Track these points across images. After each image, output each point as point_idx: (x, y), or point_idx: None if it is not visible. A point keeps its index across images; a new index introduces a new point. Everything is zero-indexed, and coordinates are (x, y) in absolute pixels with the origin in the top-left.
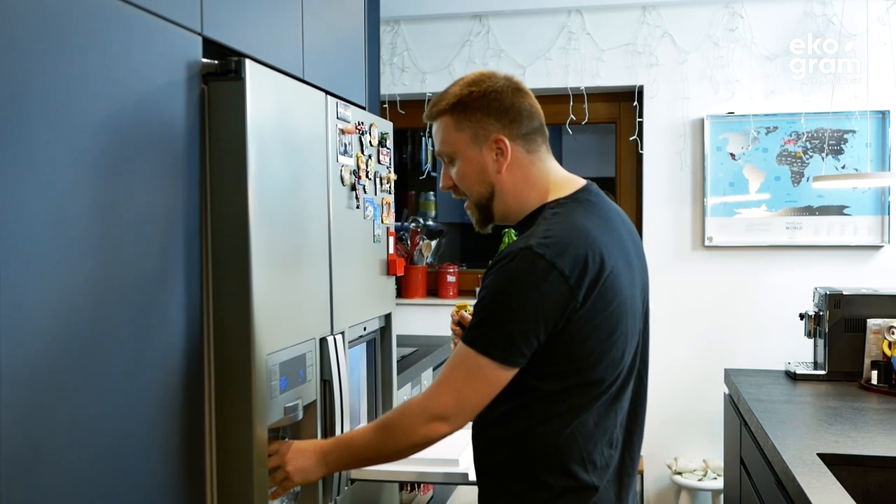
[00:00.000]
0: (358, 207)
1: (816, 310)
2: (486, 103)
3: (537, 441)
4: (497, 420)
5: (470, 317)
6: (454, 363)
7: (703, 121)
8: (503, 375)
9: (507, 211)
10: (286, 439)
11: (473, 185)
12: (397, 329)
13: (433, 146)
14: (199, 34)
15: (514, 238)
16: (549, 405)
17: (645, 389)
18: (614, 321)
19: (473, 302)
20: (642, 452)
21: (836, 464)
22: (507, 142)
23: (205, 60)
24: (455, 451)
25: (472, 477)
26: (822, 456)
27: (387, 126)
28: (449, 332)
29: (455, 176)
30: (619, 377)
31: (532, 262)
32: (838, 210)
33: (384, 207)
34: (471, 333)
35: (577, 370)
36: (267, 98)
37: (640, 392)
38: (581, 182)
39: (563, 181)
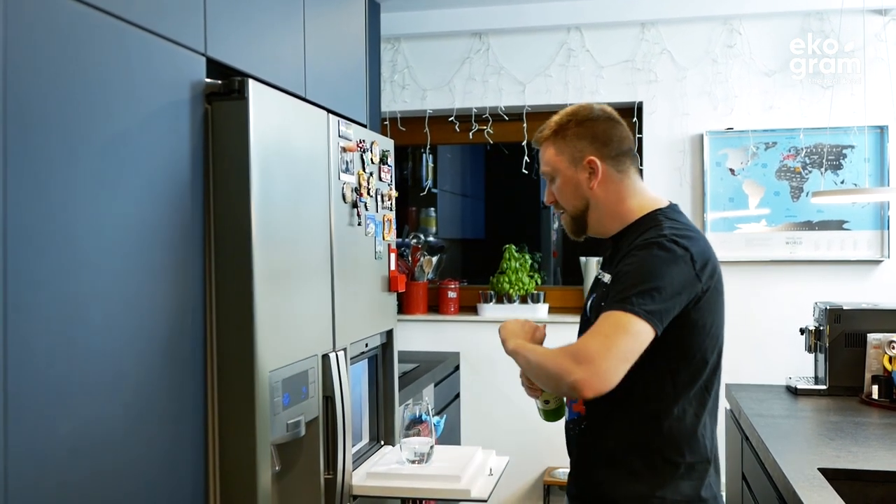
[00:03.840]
0: (359, 224)
1: (817, 324)
2: (581, 130)
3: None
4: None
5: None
6: (603, 320)
7: (702, 136)
8: (648, 334)
9: (602, 222)
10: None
11: (570, 200)
12: (398, 345)
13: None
14: (203, 55)
15: (515, 254)
16: (671, 386)
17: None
18: (720, 314)
19: None
20: None
21: (837, 478)
22: (598, 162)
23: (208, 80)
24: (457, 469)
25: (475, 494)
26: (824, 471)
27: (388, 143)
28: (447, 348)
29: (556, 192)
30: (716, 361)
31: (670, 247)
32: (838, 225)
33: (385, 224)
34: (617, 296)
35: (695, 353)
36: (270, 117)
37: (720, 376)
38: (668, 201)
39: (655, 198)
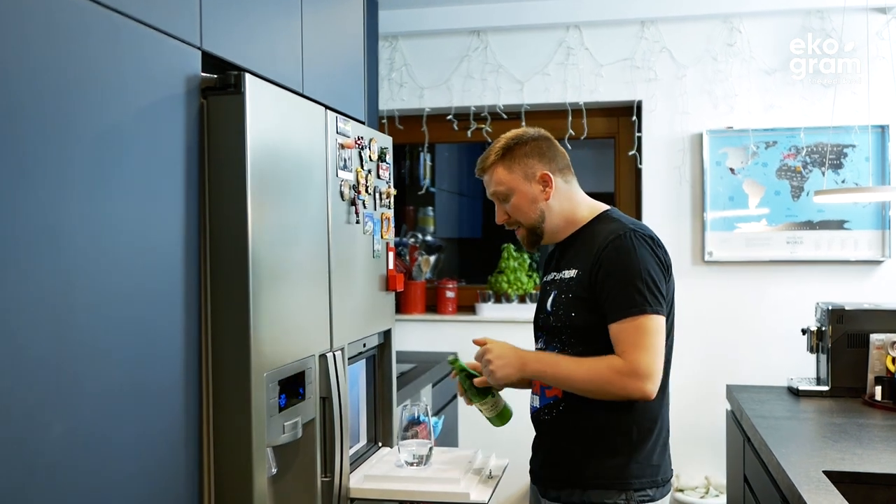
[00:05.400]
0: (357, 222)
1: (819, 325)
2: (528, 149)
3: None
4: None
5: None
6: (633, 331)
7: (702, 135)
8: (664, 322)
9: (556, 230)
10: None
11: (527, 214)
12: (396, 345)
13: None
14: (199, 48)
15: (513, 254)
16: None
17: None
18: (672, 298)
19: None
20: None
21: (843, 481)
22: (550, 175)
23: (204, 74)
24: (456, 471)
25: (474, 497)
26: (828, 473)
27: (386, 141)
28: (445, 349)
29: (511, 210)
30: (673, 335)
31: (640, 238)
32: (838, 225)
33: (384, 222)
34: (628, 303)
35: (668, 331)
36: (266, 112)
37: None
38: (606, 206)
39: (598, 203)
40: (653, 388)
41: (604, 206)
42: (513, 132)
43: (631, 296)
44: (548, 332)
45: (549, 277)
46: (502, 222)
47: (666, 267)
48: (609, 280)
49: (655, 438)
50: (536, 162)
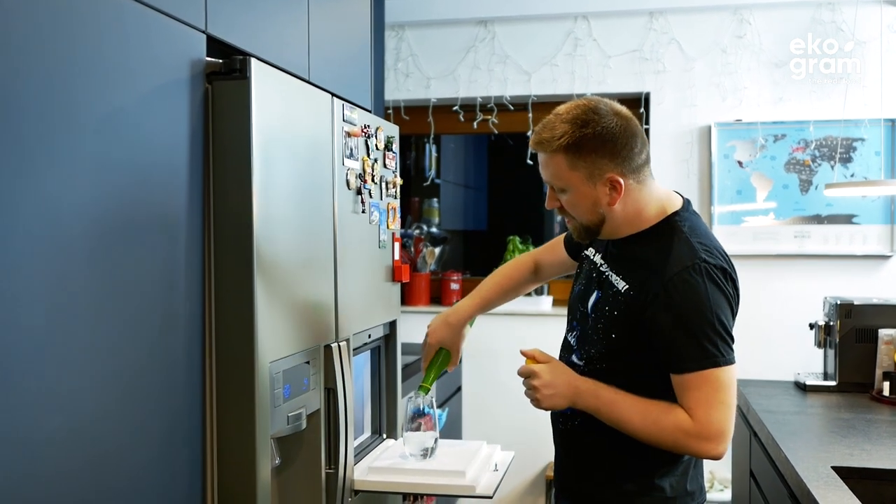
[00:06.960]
0: (363, 212)
1: (827, 319)
2: (600, 145)
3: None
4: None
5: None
6: (704, 386)
7: (710, 128)
8: (735, 375)
9: (616, 230)
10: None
11: (584, 214)
12: (401, 336)
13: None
14: (204, 32)
15: (519, 246)
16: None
17: None
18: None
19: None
20: None
21: (851, 477)
22: (620, 180)
23: (209, 59)
24: (461, 464)
25: (480, 490)
26: (837, 469)
27: (393, 129)
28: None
29: (565, 204)
30: None
31: (711, 271)
32: (847, 219)
33: (390, 212)
34: (699, 354)
35: None
36: (272, 98)
37: None
38: (679, 195)
39: (669, 195)
40: (724, 448)
41: (674, 205)
42: (584, 107)
43: (702, 346)
44: (582, 332)
45: (599, 262)
46: (552, 208)
47: (736, 302)
48: (675, 323)
49: (667, 471)
50: (607, 162)
